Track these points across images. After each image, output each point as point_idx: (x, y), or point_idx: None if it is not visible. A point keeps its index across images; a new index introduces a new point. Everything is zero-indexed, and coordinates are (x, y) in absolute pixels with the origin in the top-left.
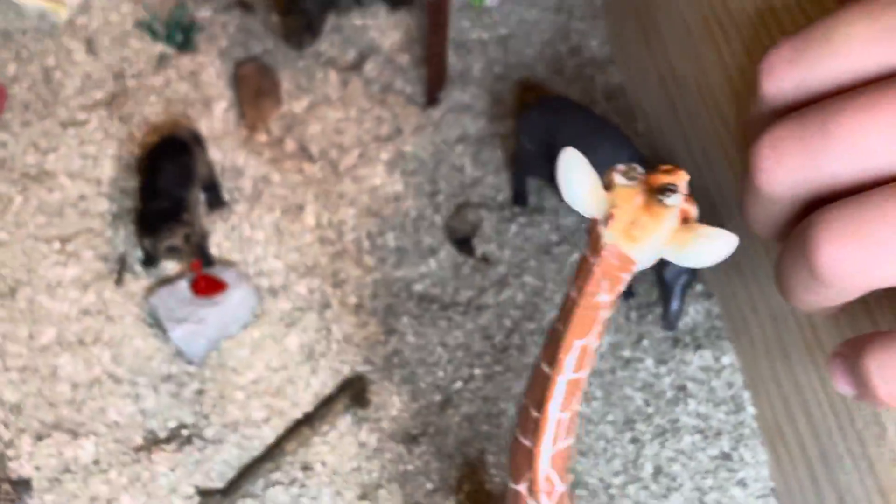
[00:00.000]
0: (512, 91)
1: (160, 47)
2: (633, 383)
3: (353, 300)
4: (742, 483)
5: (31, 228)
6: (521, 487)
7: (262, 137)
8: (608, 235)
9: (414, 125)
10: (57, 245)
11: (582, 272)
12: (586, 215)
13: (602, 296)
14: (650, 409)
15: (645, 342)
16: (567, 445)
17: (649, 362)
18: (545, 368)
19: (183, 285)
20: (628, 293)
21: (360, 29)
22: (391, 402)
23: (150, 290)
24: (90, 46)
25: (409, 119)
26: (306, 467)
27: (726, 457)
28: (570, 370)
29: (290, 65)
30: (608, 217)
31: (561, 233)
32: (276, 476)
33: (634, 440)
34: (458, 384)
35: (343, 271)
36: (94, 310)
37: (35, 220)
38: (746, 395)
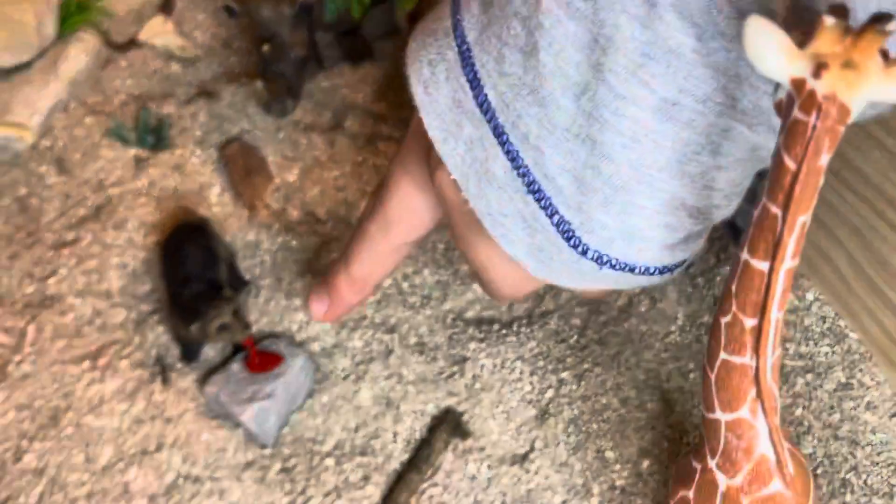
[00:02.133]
0: None
1: (134, 151)
2: None
3: (413, 340)
4: (870, 406)
5: (53, 354)
6: (742, 413)
7: (263, 213)
8: (823, 86)
9: None
10: (87, 364)
11: (795, 137)
12: (783, 81)
13: (824, 157)
14: None
15: None
16: (780, 354)
17: None
18: (758, 265)
19: (236, 367)
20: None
21: (330, 90)
22: (488, 429)
23: (202, 382)
24: (61, 166)
25: None
26: None
27: (845, 387)
28: (790, 256)
29: (270, 139)
30: (820, 67)
31: None
32: None
33: None
34: (550, 393)
35: (392, 317)
36: (148, 416)
37: (55, 345)
38: (843, 323)
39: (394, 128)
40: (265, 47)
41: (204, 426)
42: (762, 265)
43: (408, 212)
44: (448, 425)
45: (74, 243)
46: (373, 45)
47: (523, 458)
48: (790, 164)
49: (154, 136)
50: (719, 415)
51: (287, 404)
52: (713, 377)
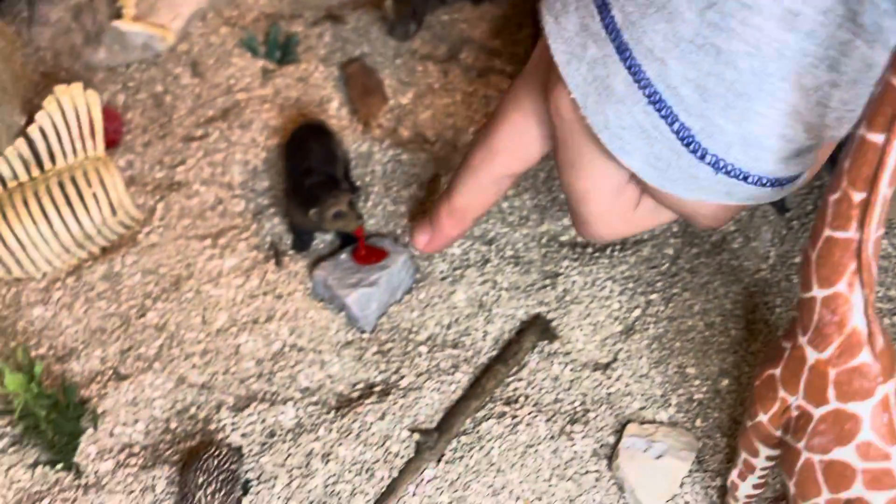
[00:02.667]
0: None
1: (262, 63)
2: None
3: (509, 253)
4: None
5: (178, 230)
6: (839, 287)
7: (376, 131)
8: None
9: None
10: (208, 242)
11: None
12: None
13: None
14: None
15: None
16: (881, 233)
17: None
18: (874, 138)
19: (343, 257)
20: (782, 208)
21: (449, 24)
22: (574, 337)
23: (311, 268)
24: (195, 69)
25: None
26: (510, 402)
27: None
28: None
29: (388, 64)
30: None
31: None
32: (482, 414)
33: None
34: (637, 311)
35: (491, 231)
36: (261, 292)
37: (181, 223)
38: None
39: (506, 63)
40: None
41: (310, 306)
42: (878, 138)
43: (513, 143)
44: (537, 328)
45: (202, 138)
46: None
47: (606, 367)
48: None
49: (281, 50)
50: (816, 292)
51: (388, 295)
52: (814, 255)
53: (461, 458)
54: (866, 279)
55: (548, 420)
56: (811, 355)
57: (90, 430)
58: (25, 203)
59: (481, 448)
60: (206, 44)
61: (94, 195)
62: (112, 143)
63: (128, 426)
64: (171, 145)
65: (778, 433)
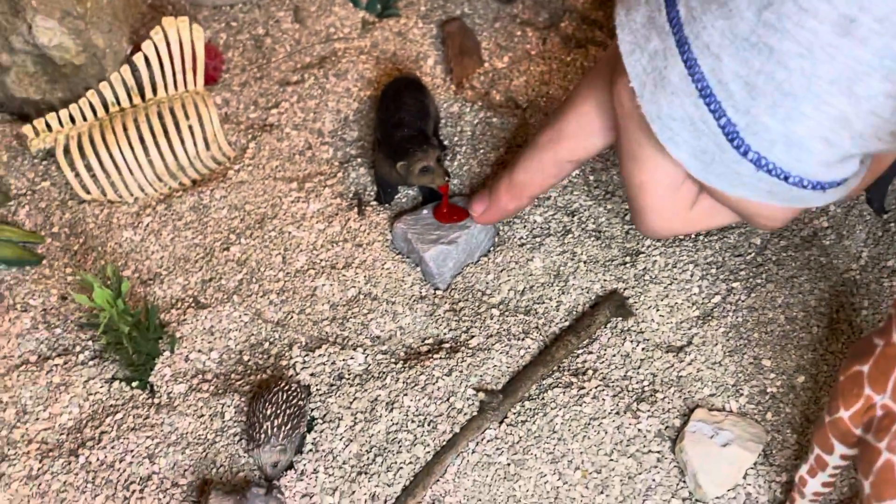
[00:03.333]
0: None
1: (363, 14)
2: None
3: (591, 226)
4: None
5: (267, 171)
6: None
7: (468, 93)
8: None
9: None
10: (294, 185)
11: None
12: None
13: None
14: None
15: None
16: None
17: None
18: None
19: (425, 213)
20: (880, 208)
21: None
22: (650, 316)
23: (392, 221)
24: (297, 15)
25: None
26: (577, 373)
27: None
28: None
29: (487, 26)
30: None
31: None
32: (549, 381)
33: None
34: (717, 298)
35: (575, 202)
36: (341, 239)
37: (270, 163)
38: None
39: (607, 35)
40: None
41: (388, 257)
42: None
43: (581, 129)
44: (612, 303)
45: (298, 83)
46: None
47: (679, 350)
48: None
49: (382, 4)
50: None
51: (465, 255)
52: None
53: (524, 422)
54: None
55: (615, 395)
56: None
57: (167, 353)
58: (125, 129)
59: (545, 415)
60: None
61: (190, 128)
62: (211, 79)
63: (203, 353)
64: (266, 87)
65: (858, 431)
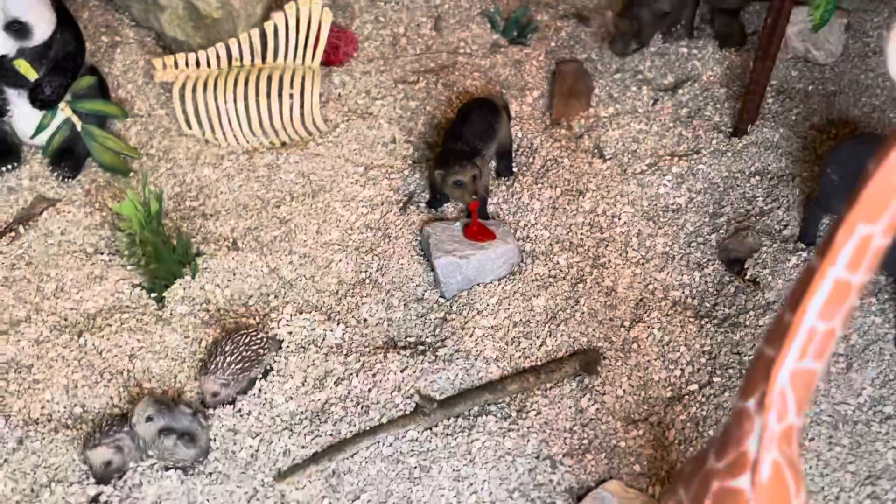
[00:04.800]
0: (826, 142)
1: (496, 37)
2: (889, 441)
3: (607, 282)
4: None
5: (343, 151)
6: (749, 403)
7: (562, 131)
8: None
9: (713, 149)
10: (361, 169)
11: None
12: None
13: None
14: None
15: None
16: (813, 370)
17: None
18: (816, 262)
19: (457, 227)
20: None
21: (684, 57)
22: (619, 382)
23: (427, 224)
24: (437, 24)
25: (711, 143)
26: (522, 410)
27: None
28: (843, 265)
29: (606, 75)
30: None
31: None
32: (492, 408)
33: (874, 496)
34: (694, 386)
35: (605, 256)
36: (375, 226)
37: (350, 146)
38: None
39: (717, 113)
40: None
41: (408, 253)
42: (815, 262)
43: None
44: (585, 359)
45: (411, 84)
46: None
47: (632, 422)
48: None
49: (518, 31)
50: (736, 401)
51: (476, 273)
52: (750, 362)
53: (448, 435)
54: (768, 403)
55: (543, 440)
56: (710, 461)
57: (187, 278)
58: (235, 82)
59: (469, 435)
60: (455, 5)
61: (291, 96)
62: (339, 61)
63: (218, 287)
64: (383, 81)
65: None
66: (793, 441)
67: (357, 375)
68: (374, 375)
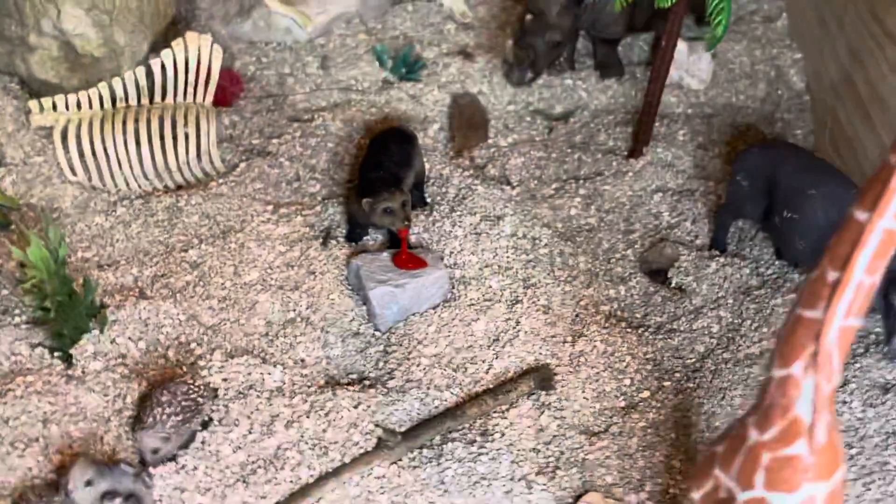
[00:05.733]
0: (713, 159)
1: (384, 74)
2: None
3: (542, 301)
4: None
5: (248, 190)
6: (794, 369)
7: (466, 161)
8: None
9: (614, 170)
10: (270, 208)
11: None
12: None
13: None
14: (853, 451)
15: (853, 385)
16: (854, 328)
17: (856, 405)
18: (860, 215)
19: (384, 256)
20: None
21: (570, 88)
22: (574, 396)
23: (353, 257)
24: (323, 63)
25: (611, 165)
26: (485, 433)
27: None
28: (892, 215)
29: (500, 107)
30: None
31: (762, 279)
32: (455, 435)
33: None
34: (646, 393)
35: (534, 277)
36: (297, 263)
37: (254, 185)
38: None
39: (610, 138)
40: (528, 17)
41: (336, 289)
42: (863, 216)
43: None
44: (539, 376)
45: (306, 122)
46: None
47: (593, 434)
48: None
49: (407, 68)
50: (773, 371)
51: (412, 302)
52: (781, 333)
53: (415, 467)
54: (822, 365)
55: (513, 461)
56: (753, 436)
57: (96, 332)
58: (124, 123)
59: (438, 464)
60: (341, 44)
61: (186, 135)
62: (227, 102)
63: (131, 341)
64: (275, 119)
65: None
66: (833, 403)
67: (307, 417)
68: (326, 415)
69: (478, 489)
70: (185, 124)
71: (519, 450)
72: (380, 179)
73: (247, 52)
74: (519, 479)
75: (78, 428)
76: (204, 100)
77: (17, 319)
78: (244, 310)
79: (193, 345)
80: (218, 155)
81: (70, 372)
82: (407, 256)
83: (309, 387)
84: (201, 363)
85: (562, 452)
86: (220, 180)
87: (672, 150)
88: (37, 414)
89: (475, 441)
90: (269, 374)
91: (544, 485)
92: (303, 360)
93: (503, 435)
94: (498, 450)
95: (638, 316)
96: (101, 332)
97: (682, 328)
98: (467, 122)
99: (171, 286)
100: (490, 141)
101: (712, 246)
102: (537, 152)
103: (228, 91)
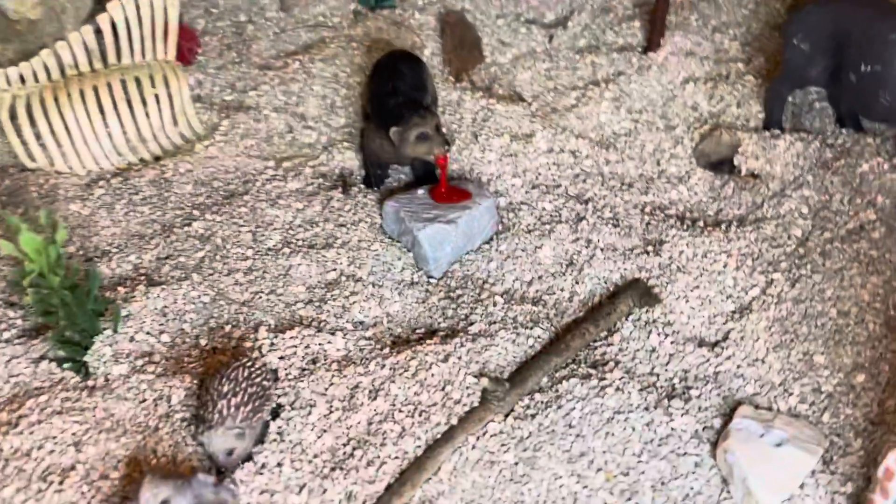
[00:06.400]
0: (731, 42)
1: (354, 5)
2: None
3: (608, 215)
4: None
5: (240, 148)
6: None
7: (470, 85)
8: None
9: (636, 67)
10: (272, 163)
11: None
12: None
13: None
14: None
15: None
16: None
17: None
18: None
19: (421, 192)
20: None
21: None
22: (679, 308)
23: (381, 202)
24: (283, 4)
25: (630, 63)
26: (596, 365)
27: None
28: None
29: (489, 22)
30: None
31: (836, 150)
32: (563, 373)
33: None
34: (755, 290)
35: (588, 192)
36: (322, 219)
37: (245, 142)
38: None
39: (619, 36)
40: None
41: (376, 238)
42: None
43: None
44: (636, 292)
45: (281, 69)
46: None
47: (714, 345)
48: None
49: None
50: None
51: (465, 239)
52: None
53: (534, 415)
54: None
55: (642, 389)
56: None
57: (108, 332)
58: (82, 95)
59: (559, 408)
60: None
61: (157, 98)
62: (185, 61)
63: (152, 335)
64: (245, 71)
65: None
66: None
67: (393, 382)
68: (413, 375)
69: (614, 426)
70: (152, 85)
71: (638, 375)
72: (402, 105)
73: (192, 4)
74: (654, 408)
75: (120, 444)
76: (166, 54)
77: (6, 335)
78: (277, 278)
79: (228, 326)
80: (195, 114)
81: (90, 382)
82: (448, 189)
83: (381, 349)
84: (247, 344)
85: (686, 371)
86: (205, 143)
87: (690, 38)
88: (64, 438)
89: (590, 375)
90: (330, 342)
91: (682, 408)
92: (361, 322)
93: (617, 363)
94: (620, 379)
95: (711, 213)
96: (115, 330)
97: (768, 215)
98: (459, 42)
99: (182, 266)
100: (488, 60)
101: (767, 126)
102: (543, 64)
103: (185, 48)
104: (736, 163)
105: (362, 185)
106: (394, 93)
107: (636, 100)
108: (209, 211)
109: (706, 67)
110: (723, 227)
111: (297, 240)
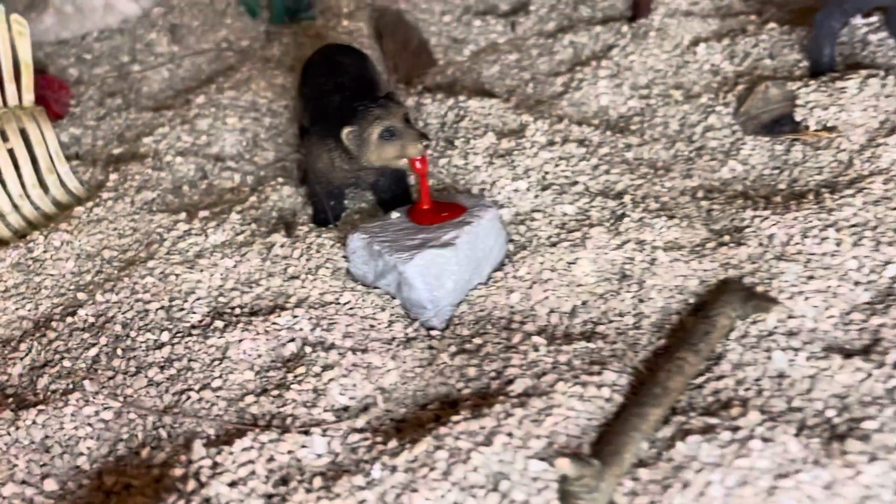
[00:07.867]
0: None
1: (264, 27)
2: None
3: (653, 206)
4: None
5: (137, 205)
6: None
7: (428, 85)
8: None
9: (629, 37)
10: (183, 216)
11: None
12: None
13: None
14: None
15: None
16: None
17: None
18: None
19: (396, 216)
20: None
21: None
22: (798, 309)
23: (351, 233)
24: (174, 35)
25: (621, 34)
26: (714, 410)
27: None
28: None
29: (434, 21)
30: None
31: None
32: (670, 430)
33: None
34: (892, 269)
35: (618, 183)
36: (265, 273)
37: (142, 196)
38: None
39: (595, 10)
40: None
41: (344, 287)
42: None
43: None
44: (734, 298)
45: (182, 106)
46: None
47: (865, 352)
48: None
49: (290, 12)
50: None
51: (471, 268)
52: None
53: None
54: None
55: (797, 434)
56: None
57: None
58: None
59: (685, 486)
60: (190, 6)
61: (10, 152)
62: (56, 116)
63: (28, 484)
64: (135, 117)
65: None
66: None
67: (415, 490)
68: (445, 475)
69: (783, 498)
70: (4, 139)
71: (777, 414)
72: (352, 98)
73: (59, 53)
74: (827, 458)
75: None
76: (21, 100)
77: None
78: (210, 365)
79: (146, 450)
80: (70, 172)
81: None
82: (433, 204)
83: (384, 443)
84: (176, 472)
85: (841, 395)
86: (88, 204)
87: None
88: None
89: (713, 426)
90: (305, 446)
91: (865, 451)
92: (346, 408)
93: (744, 402)
94: (761, 424)
95: (783, 186)
96: None
97: (866, 172)
98: (402, 46)
99: (68, 373)
100: (441, 63)
101: (816, 69)
102: (511, 56)
103: (52, 100)
104: (800, 118)
105: (312, 225)
106: (337, 90)
107: (640, 73)
108: (100, 290)
109: (712, 26)
110: (810, 196)
111: (233, 308)
